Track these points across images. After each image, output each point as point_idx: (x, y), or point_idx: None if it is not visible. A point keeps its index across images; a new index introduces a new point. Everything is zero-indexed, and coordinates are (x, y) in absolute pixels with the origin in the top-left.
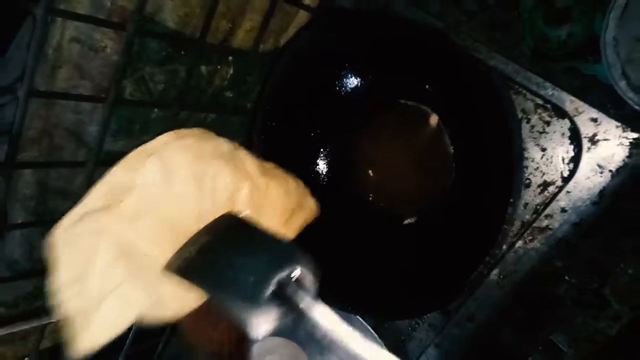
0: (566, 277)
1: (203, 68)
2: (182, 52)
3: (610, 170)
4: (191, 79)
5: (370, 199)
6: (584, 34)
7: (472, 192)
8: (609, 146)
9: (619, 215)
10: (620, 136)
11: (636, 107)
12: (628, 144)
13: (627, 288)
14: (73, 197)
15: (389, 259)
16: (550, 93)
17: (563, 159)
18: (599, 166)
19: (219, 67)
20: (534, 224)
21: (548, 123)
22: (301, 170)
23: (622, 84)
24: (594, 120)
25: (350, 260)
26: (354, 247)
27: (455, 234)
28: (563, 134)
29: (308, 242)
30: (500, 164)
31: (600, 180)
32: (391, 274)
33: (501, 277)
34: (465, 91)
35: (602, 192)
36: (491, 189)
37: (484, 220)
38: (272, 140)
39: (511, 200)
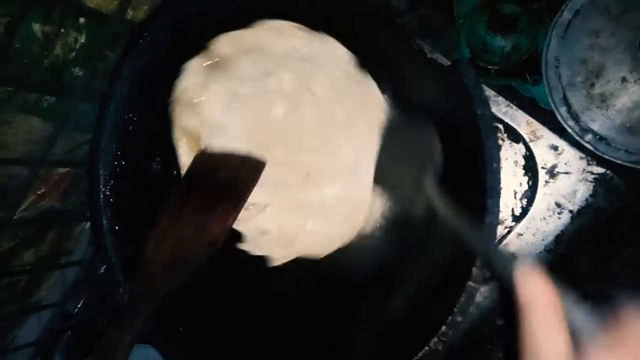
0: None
1: (36, 27)
2: None
3: (571, 211)
4: (14, 40)
5: None
6: (529, 48)
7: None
8: (571, 181)
9: (571, 265)
10: (584, 170)
11: (577, 137)
12: (592, 179)
13: None
14: None
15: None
16: (504, 110)
17: (515, 193)
18: (558, 205)
19: (62, 29)
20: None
21: (499, 147)
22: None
23: (563, 110)
24: (554, 148)
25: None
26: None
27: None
28: (516, 162)
29: None
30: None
31: (559, 223)
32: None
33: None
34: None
35: (560, 237)
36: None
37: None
38: (128, 142)
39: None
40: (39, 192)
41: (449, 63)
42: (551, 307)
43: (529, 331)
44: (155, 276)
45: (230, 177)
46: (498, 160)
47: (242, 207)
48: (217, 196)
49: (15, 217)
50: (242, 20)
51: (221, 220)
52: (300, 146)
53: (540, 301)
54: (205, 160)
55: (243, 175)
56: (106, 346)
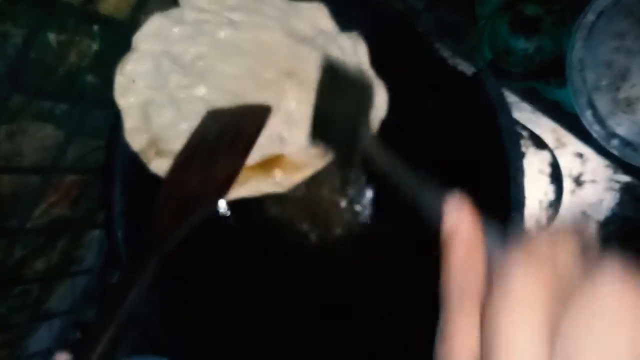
0: None
1: (51, 36)
2: (17, 7)
3: (598, 221)
4: (31, 50)
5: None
6: (553, 50)
7: None
8: (597, 190)
9: None
10: (610, 179)
11: (602, 142)
12: (619, 188)
13: None
14: None
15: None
16: (528, 117)
17: (540, 203)
18: (585, 214)
19: (77, 38)
20: None
21: (523, 155)
22: None
23: (588, 113)
24: (580, 155)
25: None
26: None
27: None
28: (541, 171)
29: None
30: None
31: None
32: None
33: None
34: None
35: None
36: None
37: None
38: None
39: None
40: (49, 200)
41: (471, 71)
42: (470, 239)
43: (445, 267)
44: (163, 226)
45: (237, 127)
46: (522, 172)
47: (249, 152)
48: (223, 146)
49: (27, 225)
50: None
51: (227, 167)
52: None
53: (460, 233)
54: (212, 117)
55: (249, 122)
56: (115, 298)
